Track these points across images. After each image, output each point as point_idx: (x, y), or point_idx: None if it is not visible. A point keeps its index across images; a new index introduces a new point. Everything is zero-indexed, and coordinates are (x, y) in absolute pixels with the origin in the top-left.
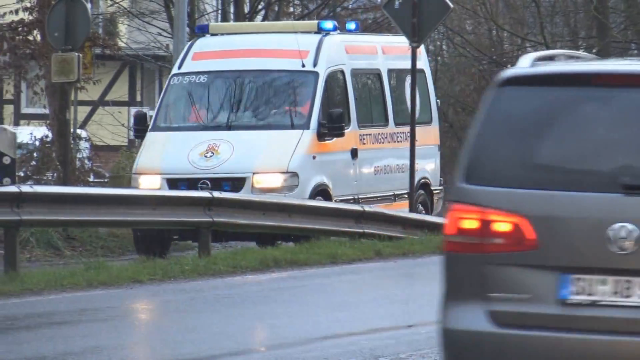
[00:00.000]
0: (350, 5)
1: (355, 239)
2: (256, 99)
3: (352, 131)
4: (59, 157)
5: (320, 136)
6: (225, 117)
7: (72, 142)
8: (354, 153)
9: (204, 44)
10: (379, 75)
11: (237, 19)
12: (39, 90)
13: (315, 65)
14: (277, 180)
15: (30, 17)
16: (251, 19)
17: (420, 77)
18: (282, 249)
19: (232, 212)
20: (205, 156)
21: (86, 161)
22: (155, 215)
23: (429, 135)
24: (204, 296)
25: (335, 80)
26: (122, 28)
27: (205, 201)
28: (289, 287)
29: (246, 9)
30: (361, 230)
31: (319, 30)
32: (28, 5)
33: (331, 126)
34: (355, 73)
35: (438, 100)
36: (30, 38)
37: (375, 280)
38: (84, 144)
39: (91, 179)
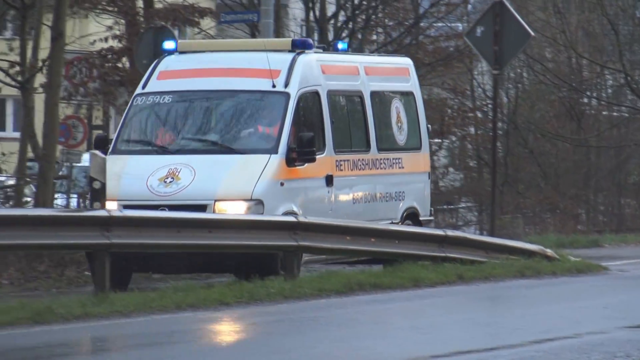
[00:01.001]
0: (432, 33)
1: (437, 263)
2: (222, 121)
3: (327, 157)
4: None
5: (290, 161)
6: (188, 140)
7: None
8: (329, 180)
9: (170, 62)
10: (360, 98)
11: None
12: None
13: (286, 85)
14: (240, 208)
15: (120, 45)
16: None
17: (408, 100)
18: (366, 273)
19: (317, 236)
20: (165, 182)
21: None
22: (242, 240)
23: (417, 161)
24: (289, 319)
25: (309, 102)
26: None
27: (290, 225)
28: (372, 310)
29: (330, 37)
30: (444, 255)
31: (293, 48)
32: (117, 33)
33: (301, 151)
34: (333, 94)
35: (429, 126)
36: (120, 65)
37: (457, 303)
38: None
39: None
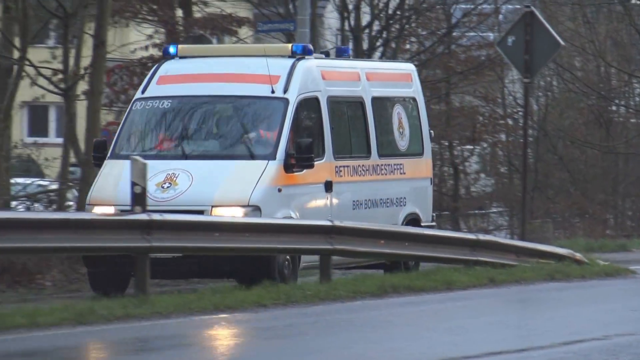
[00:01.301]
0: (464, 42)
1: (469, 266)
2: (221, 127)
3: (326, 162)
4: None
5: (288, 167)
6: (186, 146)
7: None
8: (329, 186)
9: (170, 67)
10: (361, 104)
11: (356, 56)
12: None
13: (285, 91)
14: (237, 214)
15: (160, 53)
16: (369, 55)
17: (411, 105)
18: (400, 276)
19: (352, 240)
20: (162, 187)
21: None
22: (278, 243)
23: (419, 167)
24: (325, 320)
25: (308, 107)
26: None
27: (326, 229)
28: (406, 312)
29: (365, 46)
30: (475, 258)
31: (293, 54)
32: (157, 42)
33: (300, 157)
34: (333, 100)
35: (431, 131)
36: None
37: (488, 306)
38: None
39: None
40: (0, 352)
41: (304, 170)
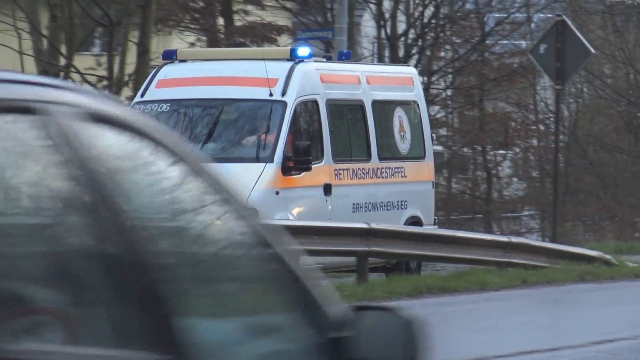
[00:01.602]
0: (497, 50)
1: (502, 268)
2: (219, 130)
3: (325, 165)
4: None
5: (285, 170)
6: None
7: None
8: (328, 188)
9: (169, 70)
10: (361, 107)
11: (392, 63)
12: None
13: (284, 94)
14: None
15: None
16: (405, 62)
17: (412, 109)
18: (435, 277)
19: (387, 242)
20: None
21: None
22: (317, 245)
23: (421, 170)
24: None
25: (306, 110)
26: None
27: (363, 232)
28: (440, 312)
29: (400, 54)
30: (508, 260)
31: (292, 57)
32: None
33: (297, 160)
34: (332, 103)
35: (434, 135)
36: None
37: (521, 306)
38: None
39: None
40: None
41: (302, 173)
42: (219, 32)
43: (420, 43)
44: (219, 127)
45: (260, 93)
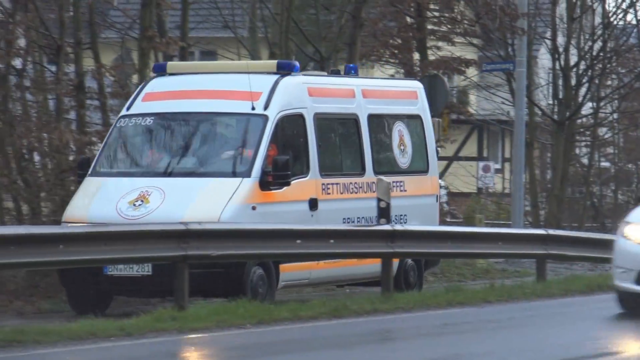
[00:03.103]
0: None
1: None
2: (199, 144)
3: (310, 180)
4: None
5: (264, 185)
6: (162, 163)
7: None
8: (313, 203)
9: (157, 84)
10: (355, 121)
11: (565, 92)
12: None
13: (266, 108)
14: None
15: None
16: (576, 91)
17: (415, 123)
18: (605, 276)
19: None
20: (134, 205)
21: (444, 205)
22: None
23: (423, 184)
24: (540, 314)
25: (291, 124)
26: (472, 98)
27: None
28: (610, 307)
29: (572, 82)
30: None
31: (279, 70)
32: None
33: (276, 174)
34: (321, 117)
35: (438, 149)
36: None
37: None
38: (442, 192)
39: (448, 219)
40: (267, 341)
41: (284, 188)
42: (415, 65)
43: (589, 73)
44: (200, 141)
45: (243, 107)
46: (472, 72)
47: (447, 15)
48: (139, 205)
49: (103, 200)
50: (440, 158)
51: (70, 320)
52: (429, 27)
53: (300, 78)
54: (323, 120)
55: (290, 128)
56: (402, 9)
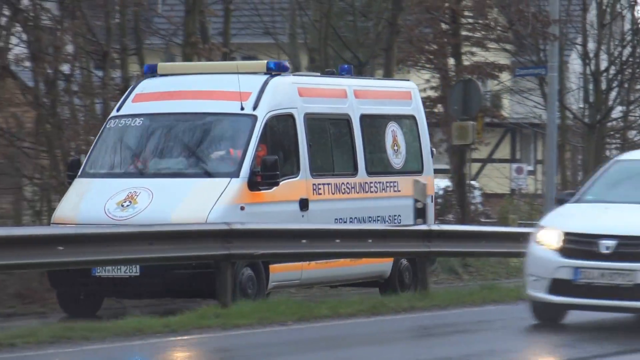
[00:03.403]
0: None
1: None
2: (187, 144)
3: (301, 180)
4: (458, 202)
5: (253, 185)
6: (151, 164)
7: (468, 191)
8: (304, 204)
9: (147, 85)
10: (347, 121)
11: (595, 95)
12: (442, 150)
13: (255, 108)
14: None
15: (435, 94)
16: (607, 95)
17: (410, 123)
18: None
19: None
20: (122, 205)
21: (478, 206)
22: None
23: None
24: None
25: (280, 125)
26: (506, 102)
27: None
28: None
29: (603, 86)
30: None
31: (268, 71)
32: (433, 85)
33: (264, 174)
34: (312, 117)
35: (434, 149)
36: (435, 110)
37: None
38: (476, 193)
39: (482, 219)
40: (307, 337)
41: (273, 188)
42: (450, 70)
43: (619, 77)
44: (188, 141)
45: (232, 107)
46: (505, 76)
47: (481, 21)
48: (127, 205)
49: (91, 201)
50: (474, 160)
51: (118, 318)
52: (464, 33)
53: (290, 78)
54: (314, 121)
55: (280, 128)
56: (438, 16)
